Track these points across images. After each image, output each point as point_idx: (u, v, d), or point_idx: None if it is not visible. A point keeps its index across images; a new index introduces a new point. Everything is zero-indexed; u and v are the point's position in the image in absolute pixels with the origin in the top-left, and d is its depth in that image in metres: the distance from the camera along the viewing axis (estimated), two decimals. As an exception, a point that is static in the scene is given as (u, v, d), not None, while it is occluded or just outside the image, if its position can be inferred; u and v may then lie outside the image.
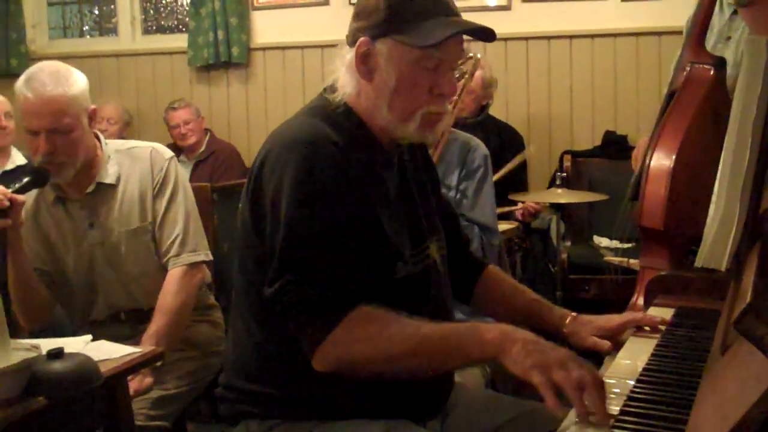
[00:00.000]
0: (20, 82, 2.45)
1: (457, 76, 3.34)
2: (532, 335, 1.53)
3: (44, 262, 2.61)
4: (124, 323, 2.64)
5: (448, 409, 1.87)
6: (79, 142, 2.49)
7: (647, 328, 1.84)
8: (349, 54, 1.74)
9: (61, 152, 2.45)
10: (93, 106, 2.55)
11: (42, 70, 2.48)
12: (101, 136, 2.65)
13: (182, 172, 2.72)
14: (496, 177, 3.55)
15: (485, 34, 1.73)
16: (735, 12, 2.75)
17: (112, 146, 2.66)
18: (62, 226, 2.61)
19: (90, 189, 2.58)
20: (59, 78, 2.45)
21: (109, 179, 2.59)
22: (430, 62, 1.69)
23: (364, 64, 1.72)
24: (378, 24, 1.70)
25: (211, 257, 2.69)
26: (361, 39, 1.70)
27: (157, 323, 2.50)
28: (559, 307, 1.98)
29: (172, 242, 2.61)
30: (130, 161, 2.64)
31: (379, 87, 1.72)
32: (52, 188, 2.58)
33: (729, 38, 2.76)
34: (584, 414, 1.36)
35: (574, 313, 1.92)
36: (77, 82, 2.50)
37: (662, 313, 1.95)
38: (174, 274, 2.58)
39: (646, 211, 2.36)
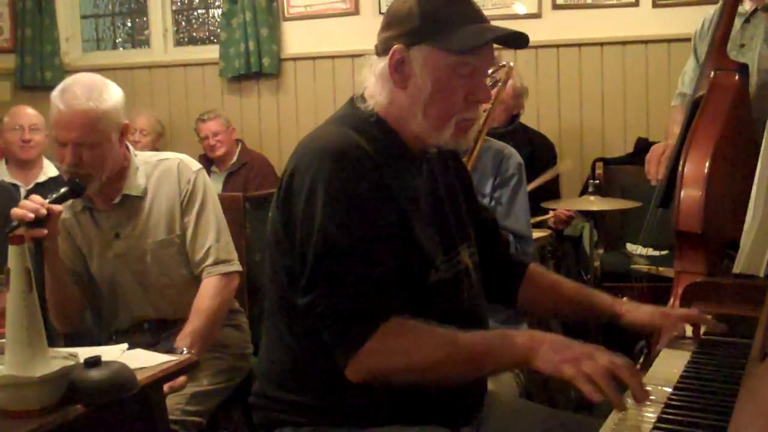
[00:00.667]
0: (55, 92, 2.47)
1: (491, 84, 3.34)
2: (559, 336, 1.57)
3: (75, 264, 2.64)
4: (146, 332, 2.66)
5: (482, 417, 1.86)
6: (105, 157, 2.49)
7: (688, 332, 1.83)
8: (381, 62, 1.73)
9: (86, 165, 2.46)
10: (126, 122, 2.55)
11: (77, 82, 2.49)
12: (131, 147, 2.66)
13: (210, 184, 2.72)
14: (528, 188, 3.54)
15: (520, 40, 1.73)
16: (747, 20, 2.76)
17: (141, 158, 2.67)
18: (89, 234, 2.63)
19: (116, 200, 2.60)
20: (92, 92, 2.46)
21: (136, 191, 2.60)
22: (465, 69, 1.69)
23: (398, 71, 1.71)
24: (412, 31, 1.69)
25: (241, 268, 2.71)
26: (396, 46, 1.70)
27: (193, 324, 2.51)
28: None
29: (206, 254, 2.62)
30: (158, 173, 2.64)
31: (413, 94, 1.72)
32: (81, 198, 2.59)
33: (743, 45, 2.76)
34: (619, 402, 1.40)
35: (625, 297, 1.93)
36: (111, 97, 2.50)
37: (698, 320, 1.94)
38: (210, 281, 2.60)
39: (683, 214, 2.36)
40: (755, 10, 2.77)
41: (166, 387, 2.28)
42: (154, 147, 5.32)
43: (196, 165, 2.71)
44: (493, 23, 1.76)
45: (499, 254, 2.04)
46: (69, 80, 2.51)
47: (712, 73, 2.58)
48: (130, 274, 2.62)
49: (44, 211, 2.28)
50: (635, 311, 1.89)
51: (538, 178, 4.10)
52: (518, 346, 1.57)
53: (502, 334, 1.64)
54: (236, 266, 2.67)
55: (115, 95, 2.52)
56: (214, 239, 2.63)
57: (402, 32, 1.71)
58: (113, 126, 2.50)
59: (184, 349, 2.40)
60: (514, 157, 3.01)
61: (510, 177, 2.95)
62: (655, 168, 2.82)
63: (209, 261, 2.61)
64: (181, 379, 2.43)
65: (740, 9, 2.76)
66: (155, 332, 2.65)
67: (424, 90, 1.70)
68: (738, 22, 2.75)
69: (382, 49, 1.74)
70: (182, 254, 2.64)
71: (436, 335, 1.62)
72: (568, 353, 1.50)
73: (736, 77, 2.55)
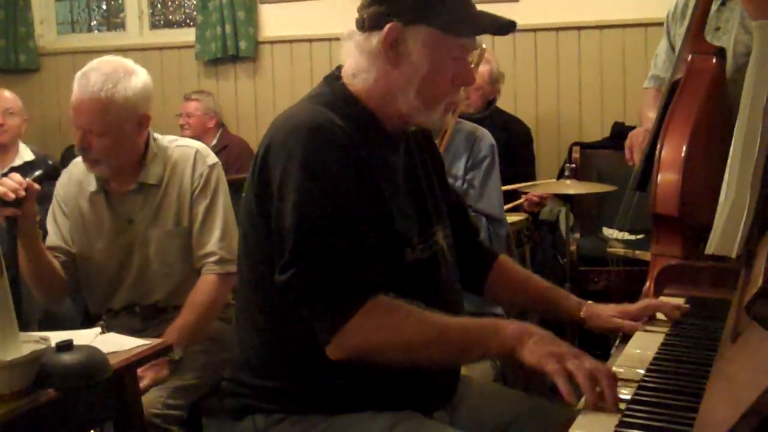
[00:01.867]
0: (78, 73, 2.45)
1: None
2: (549, 332, 1.57)
3: (72, 243, 2.61)
4: (137, 316, 2.64)
5: (456, 401, 1.86)
6: (114, 147, 2.47)
7: (662, 317, 1.83)
8: (371, 38, 1.70)
9: (95, 151, 2.45)
10: (145, 113, 2.51)
11: (99, 67, 2.46)
12: (151, 132, 2.62)
13: (224, 180, 2.67)
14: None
15: (510, 27, 1.75)
16: (723, 3, 2.76)
17: (160, 143, 2.63)
18: (101, 216, 2.60)
19: (132, 187, 2.57)
20: (107, 81, 2.42)
21: (152, 179, 2.57)
22: (459, 52, 1.71)
23: (393, 49, 1.69)
24: (410, 9, 1.67)
25: None
26: (392, 24, 1.67)
27: (184, 318, 2.50)
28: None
29: (211, 251, 2.58)
30: (173, 161, 2.61)
31: (406, 73, 1.70)
32: (96, 179, 2.58)
33: (718, 29, 2.77)
34: (595, 403, 1.38)
35: (589, 301, 1.92)
36: (129, 87, 2.46)
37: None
38: (208, 278, 2.57)
39: (660, 198, 2.36)
40: None
41: (148, 378, 2.30)
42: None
43: (212, 159, 2.66)
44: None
45: (468, 239, 2.02)
46: (94, 63, 2.49)
47: (690, 56, 2.58)
48: (137, 259, 2.59)
49: (23, 193, 2.26)
50: (595, 318, 1.88)
51: (514, 184, 4.09)
52: (507, 337, 1.56)
53: (493, 322, 1.63)
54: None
55: (135, 85, 2.48)
56: (219, 237, 2.58)
57: (397, 9, 1.68)
58: (125, 117, 2.46)
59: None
60: (486, 138, 3.00)
61: (482, 158, 2.94)
62: (637, 153, 2.82)
63: (212, 258, 2.58)
64: (164, 373, 2.43)
65: None
66: (144, 317, 2.63)
67: (419, 69, 1.69)
68: (714, 5, 2.75)
69: (370, 25, 1.71)
70: (187, 247, 2.61)
71: (425, 316, 1.60)
72: (554, 349, 1.50)
73: (714, 61, 2.56)
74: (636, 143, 2.85)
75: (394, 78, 1.71)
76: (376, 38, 1.70)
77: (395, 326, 1.59)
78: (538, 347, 1.51)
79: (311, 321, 1.62)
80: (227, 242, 2.60)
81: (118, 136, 2.47)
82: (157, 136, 2.65)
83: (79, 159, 2.58)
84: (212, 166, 2.63)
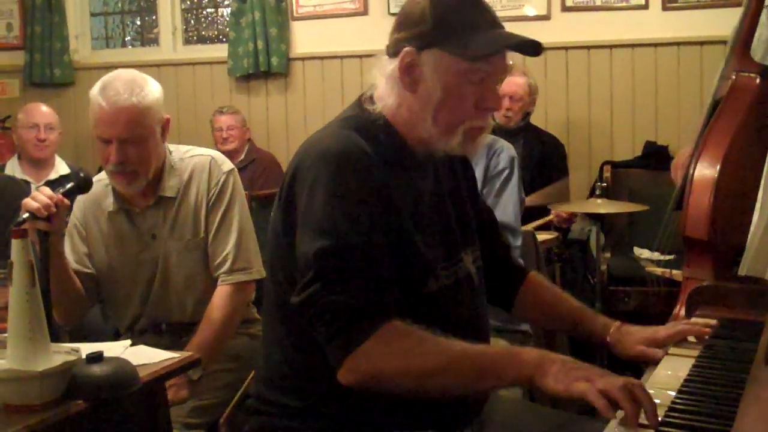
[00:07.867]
0: (95, 90, 2.44)
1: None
2: (569, 357, 1.53)
3: (92, 266, 2.61)
4: (164, 334, 2.62)
5: (484, 418, 1.84)
6: (152, 152, 2.48)
7: (693, 339, 1.80)
8: (391, 64, 1.71)
9: (133, 162, 2.44)
10: (167, 116, 2.53)
11: (117, 78, 2.46)
12: (167, 144, 2.62)
13: (240, 186, 2.66)
14: (533, 199, 3.56)
15: (533, 48, 1.70)
16: None
17: (175, 155, 2.62)
18: (123, 235, 2.59)
19: (152, 202, 2.56)
20: (134, 87, 2.43)
21: (170, 192, 2.56)
22: (476, 75, 1.67)
23: (408, 74, 1.68)
24: (424, 34, 1.67)
25: (263, 274, 2.54)
26: (406, 49, 1.67)
27: (202, 335, 2.48)
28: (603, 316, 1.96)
29: (224, 258, 2.57)
30: (189, 171, 2.60)
31: (423, 99, 1.69)
32: (115, 198, 2.57)
33: None
34: (636, 414, 1.36)
35: (618, 322, 1.89)
36: (152, 92, 2.47)
37: (703, 324, 1.92)
38: (223, 290, 2.55)
39: (690, 221, 2.33)
40: None
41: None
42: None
43: (228, 165, 2.65)
44: (503, 25, 1.73)
45: (497, 257, 2.00)
46: (108, 77, 2.49)
47: (733, 75, 2.54)
48: (161, 274, 2.58)
49: (54, 209, 2.27)
50: (622, 344, 1.84)
51: (544, 188, 4.09)
52: (525, 363, 1.52)
53: (509, 349, 1.62)
54: (254, 275, 2.60)
55: (156, 90, 2.50)
56: (233, 244, 2.57)
57: (413, 35, 1.68)
58: (156, 120, 2.48)
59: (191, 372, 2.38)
60: (506, 151, 2.99)
61: (500, 171, 2.95)
62: (681, 172, 2.77)
63: (225, 268, 2.56)
64: (183, 393, 2.42)
65: None
66: (172, 335, 2.61)
67: (433, 95, 1.67)
68: None
69: (392, 51, 1.72)
70: (206, 258, 2.60)
71: (439, 342, 1.57)
72: (580, 373, 1.46)
73: (757, 80, 2.50)
74: (678, 163, 2.81)
75: (412, 104, 1.70)
76: (394, 64, 1.70)
77: (407, 353, 1.56)
78: (564, 374, 1.47)
79: (323, 344, 1.59)
80: (242, 249, 2.58)
81: (153, 141, 2.48)
82: (171, 147, 2.64)
83: (94, 178, 2.54)
84: (228, 173, 2.62)
